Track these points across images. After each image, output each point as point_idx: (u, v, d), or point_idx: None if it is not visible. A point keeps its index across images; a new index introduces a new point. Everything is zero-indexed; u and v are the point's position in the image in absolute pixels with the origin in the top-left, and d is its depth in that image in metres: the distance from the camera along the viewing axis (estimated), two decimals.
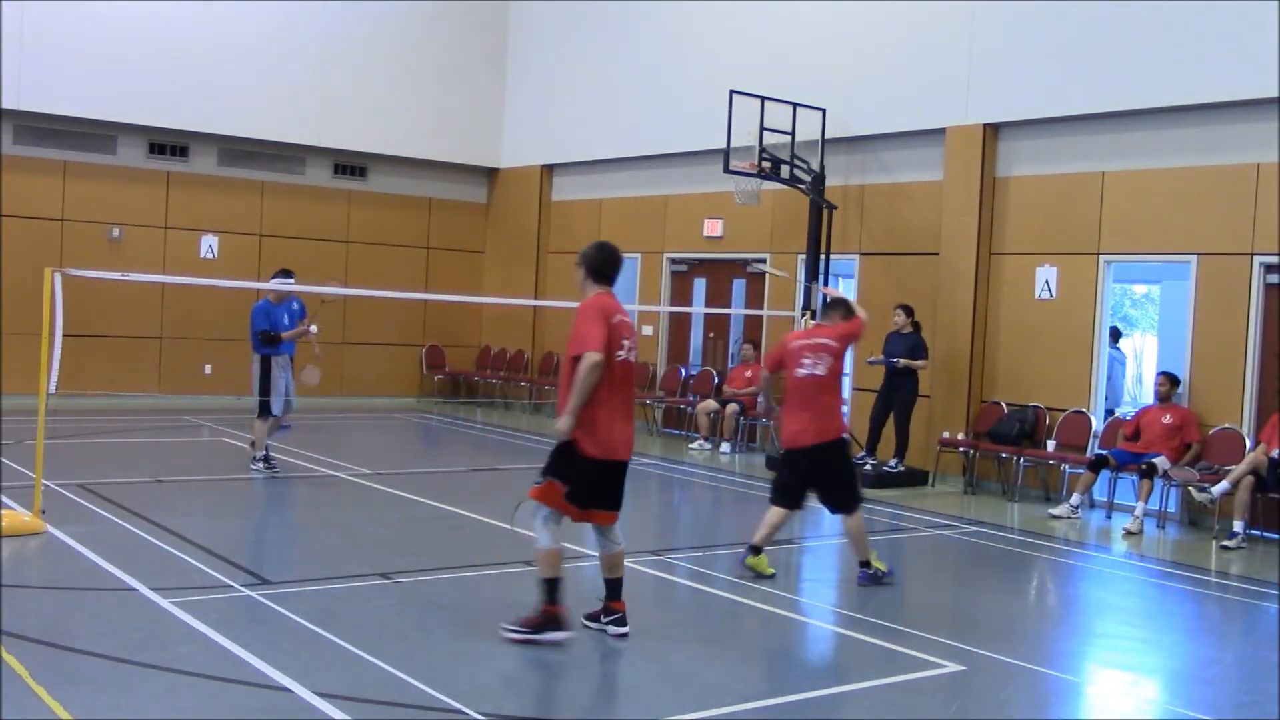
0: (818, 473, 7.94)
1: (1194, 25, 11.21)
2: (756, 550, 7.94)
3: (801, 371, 7.87)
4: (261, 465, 11.49)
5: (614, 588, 6.37)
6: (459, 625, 6.57)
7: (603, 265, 6.31)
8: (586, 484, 6.11)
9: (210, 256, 17.54)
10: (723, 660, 5.95)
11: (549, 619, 6.06)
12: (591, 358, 5.93)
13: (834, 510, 8.10)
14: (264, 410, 11.42)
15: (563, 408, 6.06)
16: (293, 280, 11.71)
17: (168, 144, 17.22)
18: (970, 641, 6.74)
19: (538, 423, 17.38)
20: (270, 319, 11.45)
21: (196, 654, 5.78)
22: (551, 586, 6.10)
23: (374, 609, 6.87)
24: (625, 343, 6.19)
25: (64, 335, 8.52)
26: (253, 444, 11.78)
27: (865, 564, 8.02)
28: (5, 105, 15.49)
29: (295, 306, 11.79)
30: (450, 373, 19.56)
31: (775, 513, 7.99)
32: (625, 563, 6.45)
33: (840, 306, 8.30)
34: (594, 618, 6.41)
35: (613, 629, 6.31)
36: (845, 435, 8.23)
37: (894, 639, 6.79)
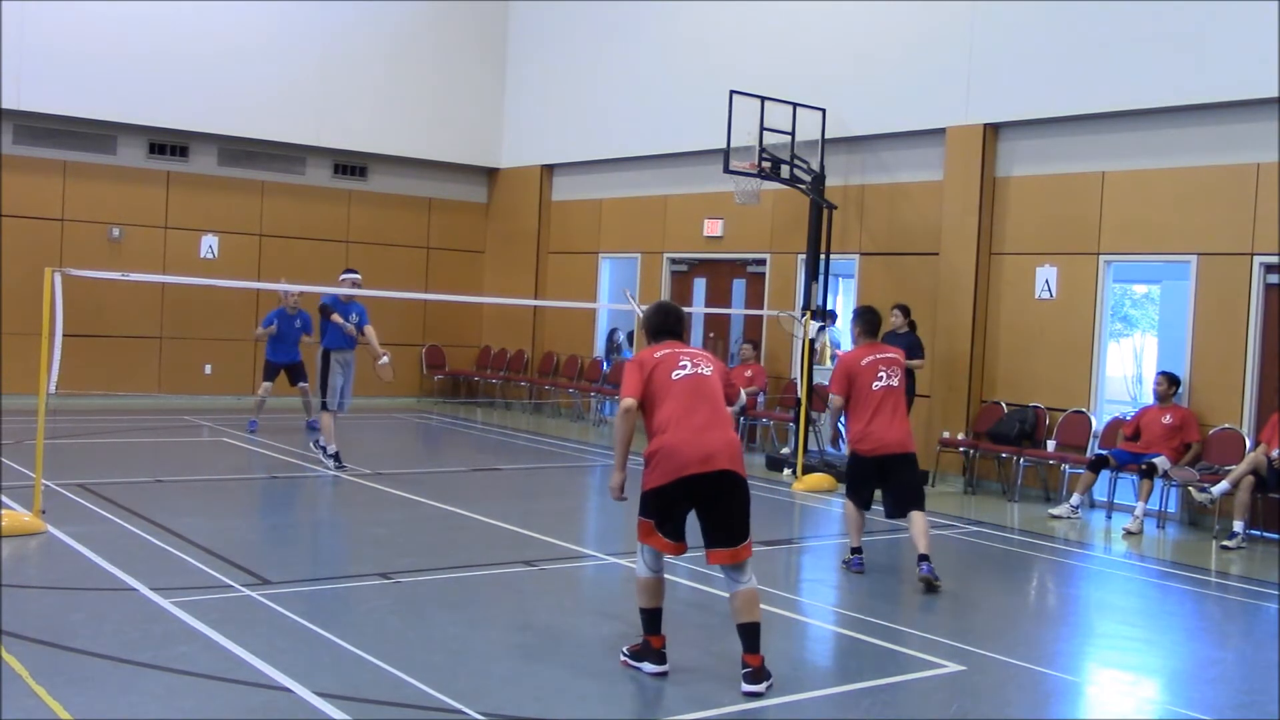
0: (899, 474, 8.39)
1: (1194, 25, 11.21)
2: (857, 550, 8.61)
3: (878, 385, 8.40)
4: (331, 463, 11.70)
5: (743, 636, 5.67)
6: (459, 625, 6.57)
7: (661, 324, 6.19)
8: (664, 513, 5.81)
9: (210, 256, 17.55)
10: (723, 660, 5.94)
11: (646, 649, 5.88)
12: (621, 405, 5.87)
13: (907, 509, 8.32)
14: (324, 405, 11.89)
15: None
16: (358, 276, 12.43)
17: (168, 144, 17.22)
18: (970, 641, 6.75)
19: (537, 423, 17.38)
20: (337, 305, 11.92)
21: (196, 654, 5.78)
22: (646, 617, 5.89)
23: (374, 609, 6.87)
24: (684, 361, 5.93)
25: (64, 335, 8.52)
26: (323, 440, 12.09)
27: (926, 557, 8.05)
28: (5, 105, 15.49)
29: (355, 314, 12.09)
30: (450, 373, 19.56)
31: (858, 512, 8.57)
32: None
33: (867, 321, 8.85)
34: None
35: (743, 686, 5.58)
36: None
37: (894, 639, 6.80)
